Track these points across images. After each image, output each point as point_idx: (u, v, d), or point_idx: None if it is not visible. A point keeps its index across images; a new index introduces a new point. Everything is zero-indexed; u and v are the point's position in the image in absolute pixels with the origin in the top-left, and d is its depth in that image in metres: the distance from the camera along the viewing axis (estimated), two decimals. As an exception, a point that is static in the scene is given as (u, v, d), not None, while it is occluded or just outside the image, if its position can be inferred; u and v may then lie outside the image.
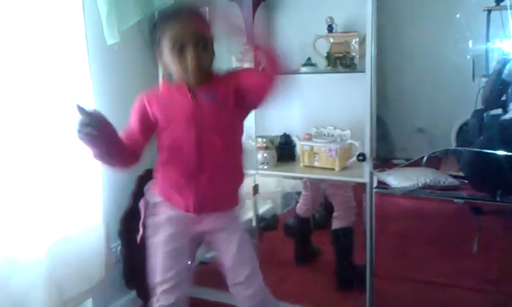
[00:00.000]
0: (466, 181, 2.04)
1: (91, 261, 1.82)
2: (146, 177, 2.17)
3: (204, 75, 1.38)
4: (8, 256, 1.54)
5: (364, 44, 1.80)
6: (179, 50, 1.33)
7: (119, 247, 2.07)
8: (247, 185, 1.97)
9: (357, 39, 1.98)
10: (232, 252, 1.49)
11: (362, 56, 1.89)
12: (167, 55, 1.37)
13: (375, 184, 1.85)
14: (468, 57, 2.02)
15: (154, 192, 1.51)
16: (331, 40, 2.03)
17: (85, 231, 1.79)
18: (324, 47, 2.07)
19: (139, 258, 2.12)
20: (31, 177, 1.58)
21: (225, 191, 1.48)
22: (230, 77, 1.42)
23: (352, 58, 1.98)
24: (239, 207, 1.54)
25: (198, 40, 1.34)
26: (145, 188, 1.56)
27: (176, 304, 1.51)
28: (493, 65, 1.98)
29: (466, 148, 2.06)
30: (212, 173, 1.42)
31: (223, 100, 1.39)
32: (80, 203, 1.77)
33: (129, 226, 2.07)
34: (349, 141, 2.05)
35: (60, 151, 1.68)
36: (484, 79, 1.99)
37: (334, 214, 2.21)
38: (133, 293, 2.18)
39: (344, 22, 2.09)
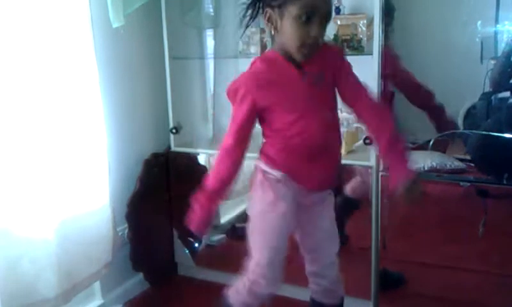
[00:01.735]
0: (472, 164, 2.04)
1: (99, 243, 1.84)
2: (152, 161, 2.18)
3: (314, 52, 1.33)
4: (17, 235, 1.55)
5: (372, 26, 1.78)
6: (305, 22, 1.25)
7: (126, 230, 2.08)
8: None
9: (364, 21, 1.95)
10: (324, 228, 1.48)
11: (370, 38, 1.87)
12: (287, 23, 1.28)
13: (381, 167, 1.85)
14: (477, 39, 1.99)
15: (273, 167, 1.42)
16: (339, 22, 2.01)
17: (92, 213, 1.80)
18: (331, 29, 2.04)
19: (146, 241, 2.15)
20: (39, 159, 1.59)
21: (336, 168, 1.48)
22: (336, 61, 1.39)
23: (360, 40, 1.96)
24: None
25: (327, 18, 1.28)
26: (257, 162, 1.47)
27: (269, 296, 1.46)
28: (502, 47, 1.96)
29: (473, 131, 2.05)
30: (332, 151, 1.44)
31: (328, 80, 1.38)
32: (87, 185, 1.78)
33: (137, 209, 2.09)
34: (356, 125, 2.04)
35: (67, 133, 1.69)
36: (492, 62, 1.96)
37: None
38: (140, 275, 2.20)
39: (352, 3, 2.07)
